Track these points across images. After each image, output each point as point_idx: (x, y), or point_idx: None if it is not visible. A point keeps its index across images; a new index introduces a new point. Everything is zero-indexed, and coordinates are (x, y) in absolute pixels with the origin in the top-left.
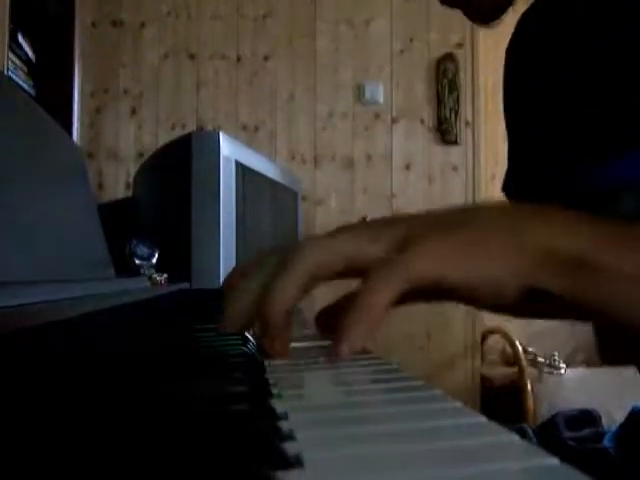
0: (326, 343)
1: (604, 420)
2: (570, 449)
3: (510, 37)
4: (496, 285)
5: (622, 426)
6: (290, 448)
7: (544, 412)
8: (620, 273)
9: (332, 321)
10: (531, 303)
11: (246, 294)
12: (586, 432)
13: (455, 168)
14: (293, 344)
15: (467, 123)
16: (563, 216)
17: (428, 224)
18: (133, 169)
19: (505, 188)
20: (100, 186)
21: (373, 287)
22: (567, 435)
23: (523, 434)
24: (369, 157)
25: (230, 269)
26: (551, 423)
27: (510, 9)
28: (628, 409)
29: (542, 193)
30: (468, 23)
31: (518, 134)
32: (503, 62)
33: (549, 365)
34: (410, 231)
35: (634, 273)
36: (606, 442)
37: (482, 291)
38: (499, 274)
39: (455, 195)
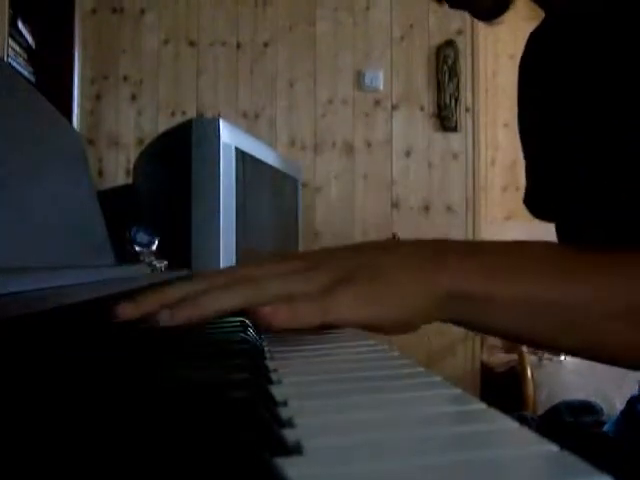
0: (326, 332)
1: (604, 408)
2: (572, 435)
3: (521, 56)
4: (403, 324)
5: (622, 413)
6: (289, 435)
7: (544, 399)
8: (492, 302)
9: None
10: None
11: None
12: (588, 420)
13: (455, 155)
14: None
15: (467, 110)
16: (457, 259)
17: (349, 270)
18: (133, 156)
19: (526, 202)
20: (100, 173)
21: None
22: (569, 420)
23: (523, 421)
24: (369, 144)
25: (228, 256)
26: (553, 411)
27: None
28: (627, 396)
29: (559, 210)
30: None
31: (536, 154)
32: (517, 76)
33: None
34: (332, 278)
35: (504, 301)
36: (606, 428)
37: (394, 328)
38: (407, 317)
39: (455, 181)
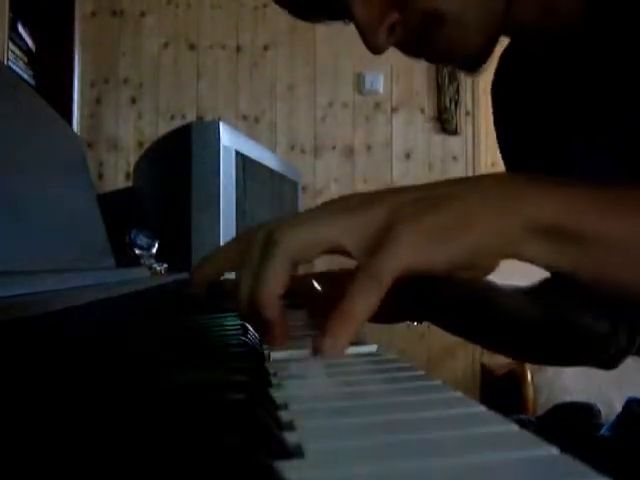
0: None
1: (603, 410)
2: (569, 437)
3: (493, 79)
4: (476, 259)
5: (620, 415)
6: (290, 438)
7: (543, 402)
8: (601, 242)
9: (320, 309)
10: None
11: (242, 282)
12: (586, 422)
13: (455, 157)
14: (293, 333)
15: (467, 113)
16: (542, 187)
17: (412, 202)
18: (133, 159)
19: None
20: (100, 176)
21: (356, 296)
22: (567, 425)
23: (522, 425)
24: (369, 147)
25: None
26: (551, 413)
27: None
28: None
29: None
30: None
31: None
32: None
33: None
34: (392, 214)
35: (614, 242)
36: (604, 431)
37: (461, 268)
38: (474, 256)
39: None
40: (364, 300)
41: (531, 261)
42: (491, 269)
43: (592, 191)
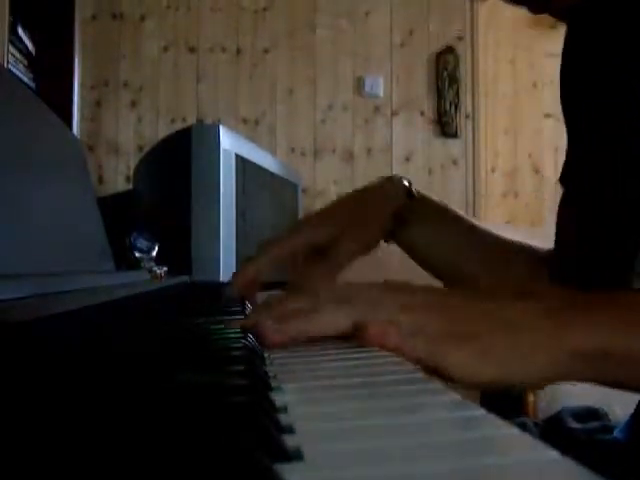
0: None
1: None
2: (580, 442)
3: (565, 35)
4: (529, 382)
5: (633, 416)
6: (290, 441)
7: (544, 405)
8: (632, 358)
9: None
10: None
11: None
12: (595, 425)
13: (455, 161)
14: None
15: (467, 116)
16: (583, 312)
17: (472, 321)
18: (133, 162)
19: (562, 179)
20: (100, 179)
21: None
22: (575, 427)
23: (524, 428)
24: (369, 150)
25: (231, 263)
26: (557, 418)
27: None
28: (628, 402)
29: (598, 187)
30: (468, 16)
31: (577, 128)
32: (560, 59)
33: None
34: (453, 326)
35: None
36: (617, 434)
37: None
38: (531, 378)
39: (455, 188)
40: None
41: (577, 381)
42: (539, 388)
43: (628, 310)
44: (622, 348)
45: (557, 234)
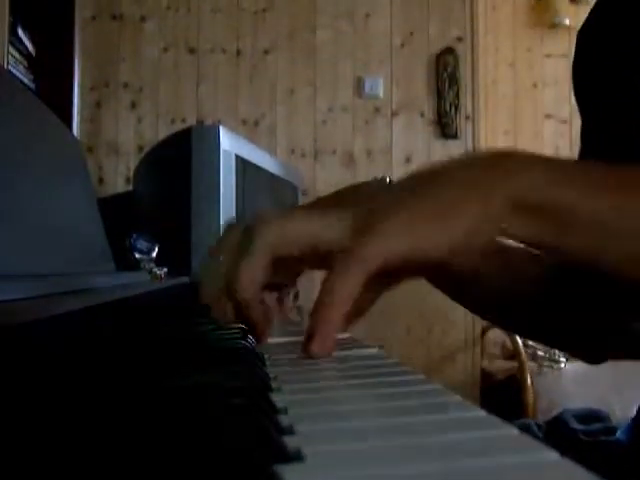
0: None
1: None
2: (583, 443)
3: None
4: (467, 243)
5: (635, 418)
6: (290, 442)
7: (544, 407)
8: (578, 218)
9: None
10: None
11: (215, 277)
12: (597, 426)
13: None
14: (293, 338)
15: (467, 117)
16: (523, 163)
17: (391, 197)
18: (133, 163)
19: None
20: (100, 180)
21: (335, 282)
22: (578, 428)
23: (527, 429)
24: (369, 151)
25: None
26: (559, 419)
27: None
28: (628, 403)
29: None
30: (468, 17)
31: (591, 113)
32: (575, 48)
33: (549, 359)
34: (371, 211)
35: (590, 218)
36: (619, 435)
37: (453, 254)
38: (460, 242)
39: None
40: (343, 285)
41: (515, 239)
42: (485, 256)
43: (583, 169)
44: (590, 211)
45: None
